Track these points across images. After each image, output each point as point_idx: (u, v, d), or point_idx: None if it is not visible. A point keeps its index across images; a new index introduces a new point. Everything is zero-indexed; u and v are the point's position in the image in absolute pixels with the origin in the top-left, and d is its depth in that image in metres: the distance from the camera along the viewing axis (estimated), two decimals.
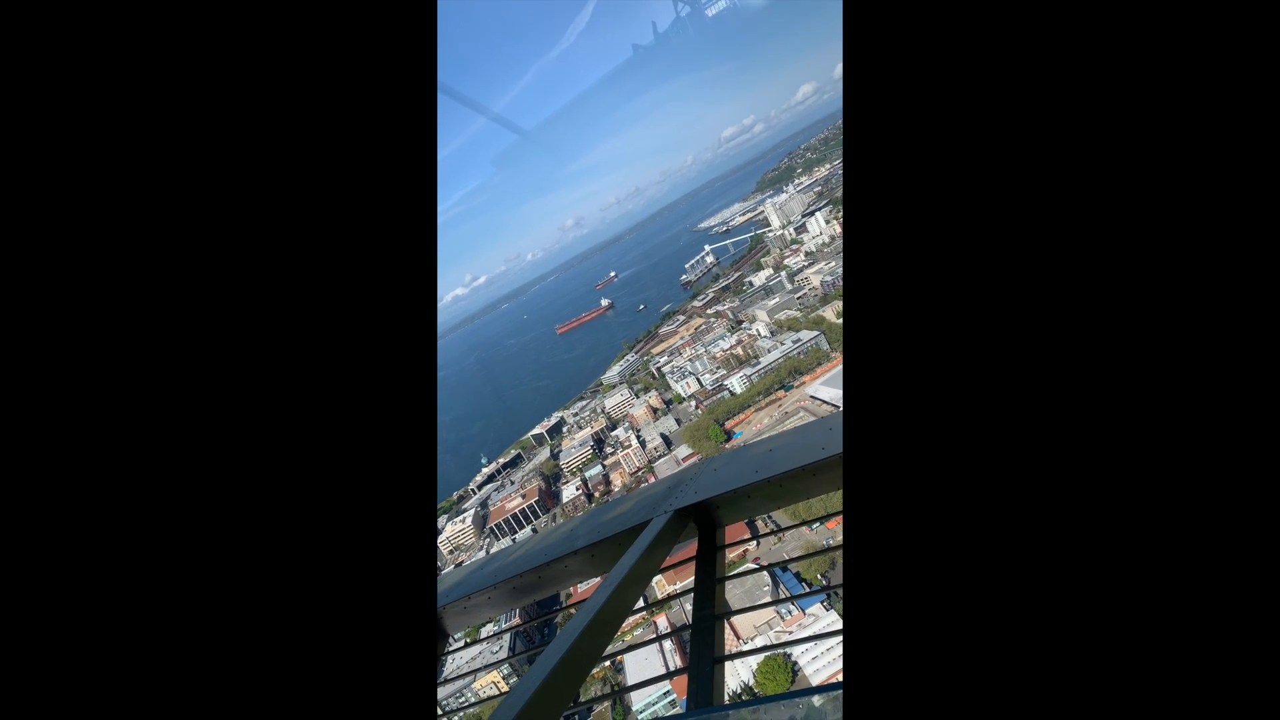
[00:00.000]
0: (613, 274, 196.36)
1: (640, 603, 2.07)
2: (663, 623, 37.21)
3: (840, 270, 77.05)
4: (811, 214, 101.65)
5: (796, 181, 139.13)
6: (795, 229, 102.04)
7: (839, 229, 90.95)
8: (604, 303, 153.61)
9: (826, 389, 56.65)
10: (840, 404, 48.83)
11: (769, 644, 29.84)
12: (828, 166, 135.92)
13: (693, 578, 2.23)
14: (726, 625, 2.10)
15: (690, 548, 2.45)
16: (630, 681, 35.68)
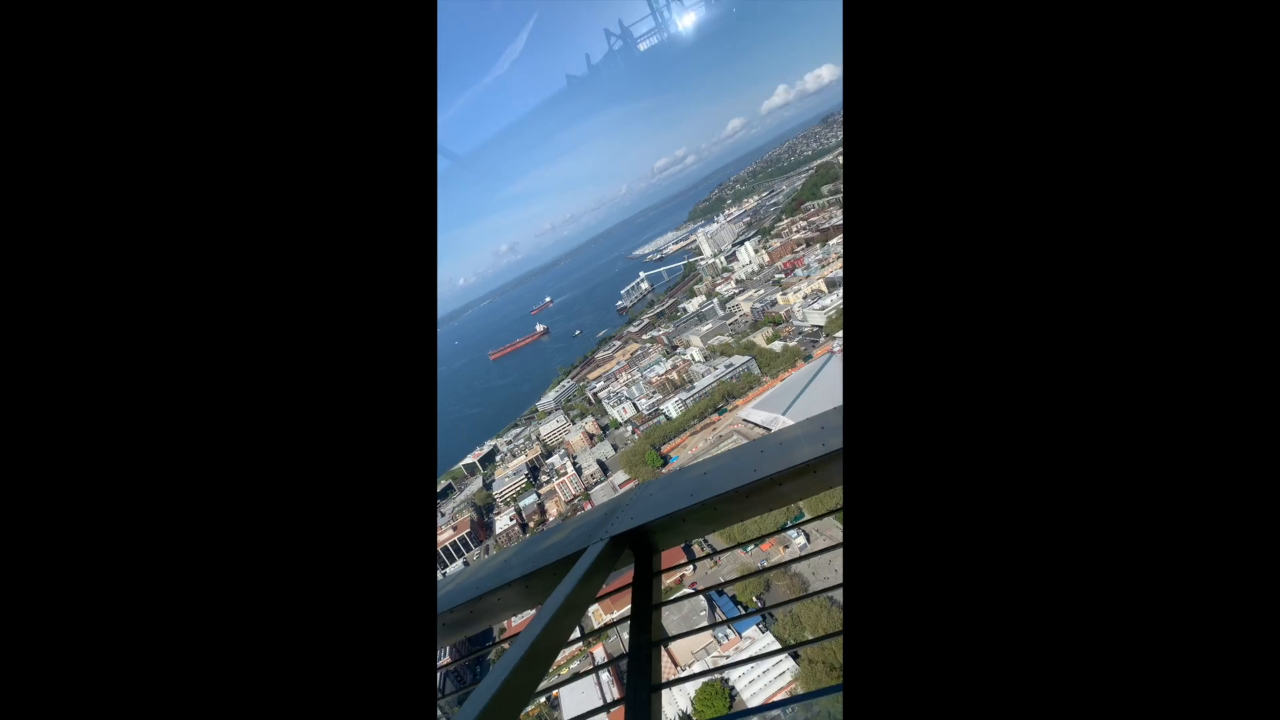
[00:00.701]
0: (548, 299, 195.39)
1: (576, 633, 2.03)
2: (600, 653, 36.43)
3: (768, 298, 79.88)
4: (741, 243, 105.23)
5: (727, 212, 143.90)
6: (726, 258, 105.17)
7: (768, 258, 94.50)
8: (539, 328, 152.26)
9: (758, 412, 58.04)
10: (770, 426, 50.12)
11: (707, 669, 29.76)
12: (755, 198, 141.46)
13: (630, 605, 2.21)
14: (664, 652, 2.08)
15: (627, 575, 2.43)
16: (566, 717, 34.58)
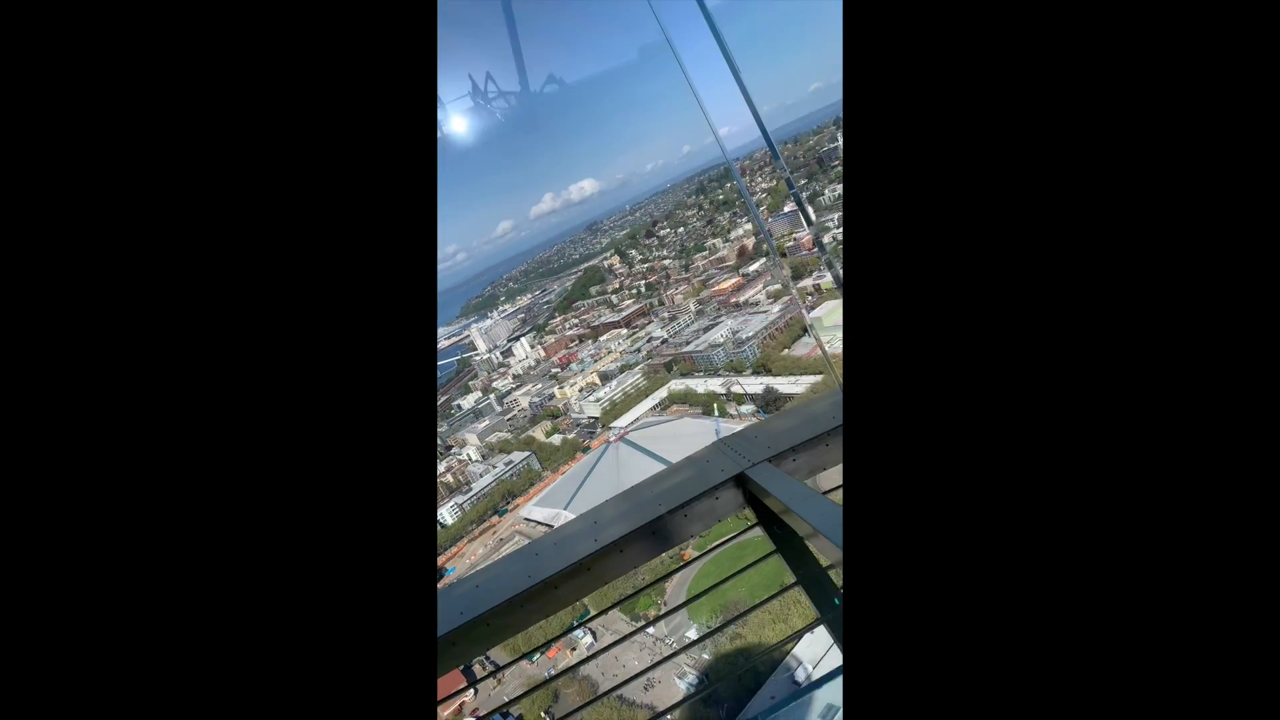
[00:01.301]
0: None
1: None
2: None
3: (546, 391, 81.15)
4: (517, 339, 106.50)
5: (501, 308, 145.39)
6: (502, 353, 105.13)
7: (544, 353, 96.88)
8: None
9: (540, 509, 56.93)
10: (553, 523, 49.39)
11: None
12: (529, 296, 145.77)
13: None
14: None
15: None
16: None
